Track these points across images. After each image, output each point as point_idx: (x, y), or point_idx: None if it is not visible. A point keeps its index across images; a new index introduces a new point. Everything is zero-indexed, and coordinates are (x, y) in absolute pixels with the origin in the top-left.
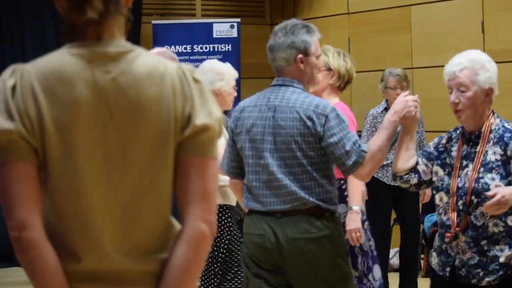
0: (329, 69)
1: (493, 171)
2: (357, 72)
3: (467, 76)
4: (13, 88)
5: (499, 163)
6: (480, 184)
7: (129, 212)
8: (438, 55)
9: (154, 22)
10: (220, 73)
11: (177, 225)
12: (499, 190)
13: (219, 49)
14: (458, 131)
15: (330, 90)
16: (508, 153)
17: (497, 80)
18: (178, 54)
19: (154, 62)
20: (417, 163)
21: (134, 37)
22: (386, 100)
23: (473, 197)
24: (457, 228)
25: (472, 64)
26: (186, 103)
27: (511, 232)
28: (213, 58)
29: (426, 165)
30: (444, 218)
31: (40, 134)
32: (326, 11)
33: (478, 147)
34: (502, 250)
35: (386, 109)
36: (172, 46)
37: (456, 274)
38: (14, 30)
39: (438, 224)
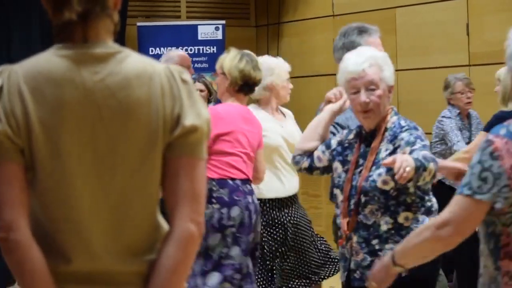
0: (223, 73)
1: (381, 166)
2: None
3: (376, 73)
4: (0, 89)
5: (387, 156)
6: (368, 182)
7: (118, 213)
8: (423, 57)
9: (139, 24)
10: (269, 68)
11: (165, 225)
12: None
13: (204, 51)
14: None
15: (227, 93)
16: (396, 144)
17: (482, 81)
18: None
19: (142, 63)
20: (315, 149)
21: (119, 38)
22: (452, 105)
23: (362, 196)
24: (347, 231)
25: (376, 60)
26: (175, 103)
27: (401, 230)
28: (198, 60)
29: (323, 152)
30: (338, 221)
31: (26, 134)
32: (311, 13)
33: (372, 145)
34: (392, 249)
35: (459, 114)
36: (157, 48)
37: (351, 277)
38: (1, 33)
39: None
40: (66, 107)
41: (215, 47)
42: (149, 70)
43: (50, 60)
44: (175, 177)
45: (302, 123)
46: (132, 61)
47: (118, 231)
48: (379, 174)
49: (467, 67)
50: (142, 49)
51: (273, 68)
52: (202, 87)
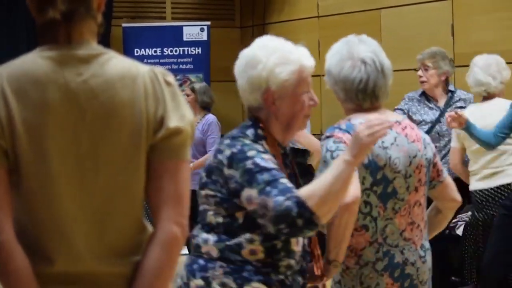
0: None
1: None
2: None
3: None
4: None
5: None
6: None
7: (102, 214)
8: (408, 58)
9: (124, 25)
10: None
11: (149, 227)
12: None
13: (189, 52)
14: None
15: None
16: None
17: (465, 83)
18: (148, 57)
19: (126, 64)
20: None
21: (104, 40)
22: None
23: None
24: None
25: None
26: (159, 105)
27: None
28: (183, 61)
29: None
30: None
31: (10, 136)
32: (296, 14)
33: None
34: None
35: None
36: (142, 49)
37: None
38: None
39: None
40: (50, 108)
41: (200, 48)
42: (132, 72)
43: (34, 61)
44: (159, 179)
45: None
46: (115, 62)
47: (101, 233)
48: None
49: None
50: (127, 50)
51: None
52: (189, 91)
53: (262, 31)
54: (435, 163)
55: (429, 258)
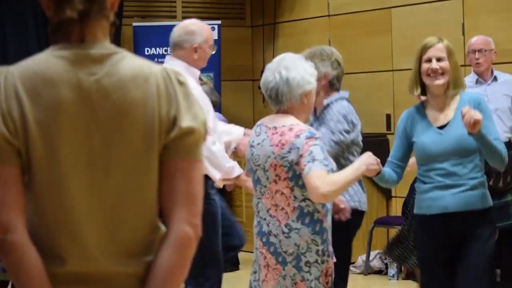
0: None
1: None
2: None
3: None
4: None
5: None
6: None
7: (114, 214)
8: None
9: (134, 24)
10: None
11: (162, 227)
12: None
13: None
14: None
15: None
16: None
17: None
18: (159, 56)
19: (139, 64)
20: None
21: (115, 39)
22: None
23: None
24: None
25: None
26: (171, 105)
27: None
28: None
29: None
30: None
31: (23, 135)
32: (307, 13)
33: None
34: None
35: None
36: (153, 48)
37: None
38: None
39: None
40: (62, 108)
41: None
42: (145, 72)
43: (46, 60)
44: (171, 179)
45: None
46: (128, 62)
47: (113, 232)
48: None
49: (463, 67)
50: (138, 49)
51: None
52: None
53: (272, 30)
54: (298, 163)
55: (294, 235)
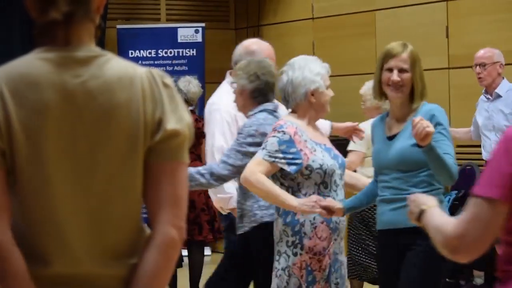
0: None
1: None
2: None
3: None
4: None
5: None
6: None
7: (99, 216)
8: None
9: (118, 26)
10: None
11: (147, 230)
12: None
13: (184, 54)
14: None
15: None
16: None
17: (461, 84)
18: (143, 59)
19: (124, 66)
20: None
21: (99, 41)
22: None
23: None
24: None
25: None
26: (156, 108)
27: None
28: (178, 63)
29: None
30: None
31: (8, 137)
32: (291, 16)
33: None
34: None
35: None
36: (137, 51)
37: None
38: None
39: None
40: (47, 110)
41: (194, 49)
42: (130, 74)
43: (31, 63)
44: (157, 182)
45: None
46: (113, 64)
47: (98, 234)
48: None
49: (447, 69)
50: (122, 51)
51: None
52: None
53: (256, 33)
54: None
55: (274, 225)
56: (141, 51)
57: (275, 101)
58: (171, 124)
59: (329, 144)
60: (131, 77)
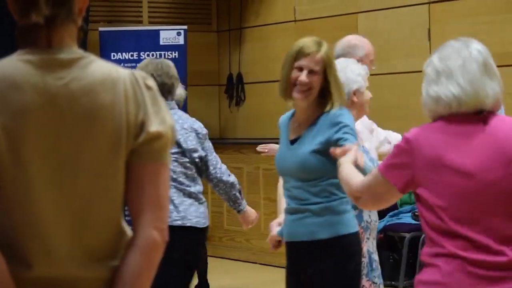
0: None
1: None
2: None
3: None
4: None
5: None
6: None
7: (81, 218)
8: (384, 62)
9: (101, 29)
10: None
11: (129, 232)
12: None
13: (166, 56)
14: None
15: None
16: None
17: None
18: (125, 61)
19: (107, 68)
20: None
21: (81, 44)
22: None
23: None
24: None
25: None
26: (139, 110)
27: None
28: None
29: None
30: None
31: None
32: (273, 18)
33: None
34: None
35: None
36: (119, 54)
37: None
38: None
39: None
40: (29, 112)
41: (177, 52)
42: (113, 76)
43: (13, 65)
44: (139, 184)
45: (264, 128)
46: (96, 66)
47: (80, 237)
48: None
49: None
50: (104, 54)
51: None
52: None
53: (238, 35)
54: None
55: None
56: (124, 53)
57: (173, 102)
58: (153, 126)
59: (366, 146)
60: (113, 79)
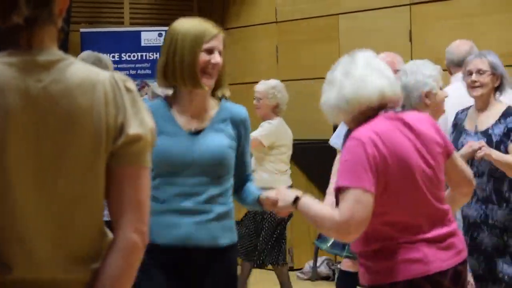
0: None
1: None
2: (285, 80)
3: None
4: None
5: None
6: None
7: (61, 221)
8: None
9: (82, 30)
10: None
11: (110, 234)
12: None
13: (147, 58)
14: None
15: None
16: None
17: None
18: None
19: (86, 71)
20: None
21: (62, 45)
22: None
23: None
24: None
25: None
26: (119, 112)
27: None
28: (141, 67)
29: None
30: None
31: None
32: (254, 19)
33: None
34: None
35: None
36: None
37: None
38: None
39: None
40: (10, 115)
41: (158, 53)
42: (92, 78)
43: None
44: (119, 186)
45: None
46: (75, 68)
47: (61, 239)
48: None
49: None
50: None
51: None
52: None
53: None
54: None
55: None
56: (105, 54)
57: None
58: (133, 128)
59: None
60: (92, 81)
